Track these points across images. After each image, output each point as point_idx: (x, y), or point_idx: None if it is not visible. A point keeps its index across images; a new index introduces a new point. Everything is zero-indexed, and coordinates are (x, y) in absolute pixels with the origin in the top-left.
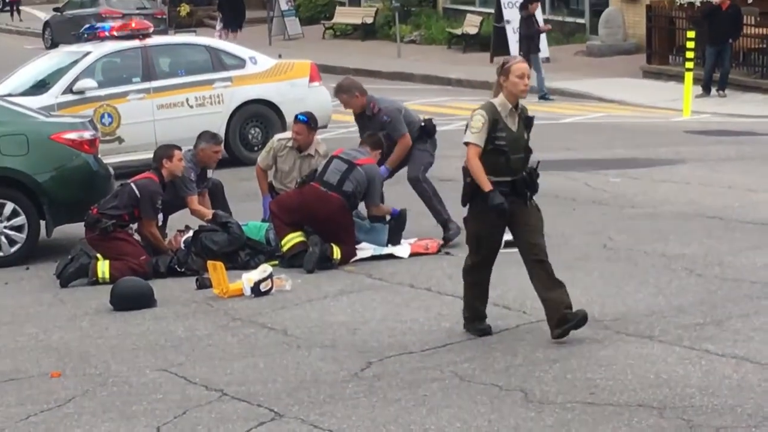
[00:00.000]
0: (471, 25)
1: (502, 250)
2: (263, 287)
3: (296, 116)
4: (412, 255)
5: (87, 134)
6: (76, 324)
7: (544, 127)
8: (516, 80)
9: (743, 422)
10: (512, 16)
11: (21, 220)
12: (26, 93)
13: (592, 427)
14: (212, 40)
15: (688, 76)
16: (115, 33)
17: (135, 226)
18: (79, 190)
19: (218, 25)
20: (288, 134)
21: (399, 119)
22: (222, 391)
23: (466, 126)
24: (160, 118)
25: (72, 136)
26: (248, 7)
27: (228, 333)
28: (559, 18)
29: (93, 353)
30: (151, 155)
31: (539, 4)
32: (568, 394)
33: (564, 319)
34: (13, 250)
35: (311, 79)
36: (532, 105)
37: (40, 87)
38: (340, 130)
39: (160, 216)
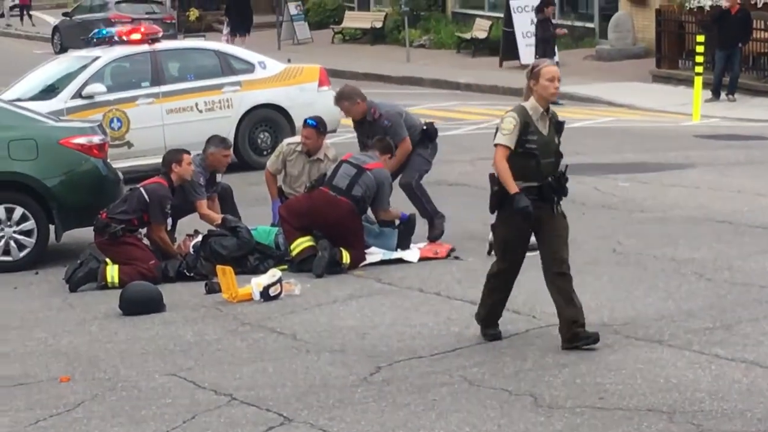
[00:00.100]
0: (480, 30)
1: None
2: (272, 292)
3: (305, 120)
4: (421, 259)
5: (96, 139)
6: (85, 328)
7: None
8: (546, 83)
9: (753, 426)
10: (521, 20)
11: (30, 224)
12: (35, 98)
13: (601, 431)
14: (221, 44)
15: (698, 81)
16: (124, 37)
17: (144, 230)
18: (89, 195)
19: (225, 30)
20: (297, 138)
21: (400, 123)
22: (231, 396)
23: (496, 129)
24: (170, 122)
25: (81, 140)
26: (257, 12)
27: (237, 337)
28: (569, 22)
29: (102, 358)
30: (160, 160)
31: (554, 8)
32: (577, 398)
33: (575, 337)
34: (22, 254)
35: (320, 84)
36: None
37: (49, 92)
38: (349, 135)
39: (170, 220)
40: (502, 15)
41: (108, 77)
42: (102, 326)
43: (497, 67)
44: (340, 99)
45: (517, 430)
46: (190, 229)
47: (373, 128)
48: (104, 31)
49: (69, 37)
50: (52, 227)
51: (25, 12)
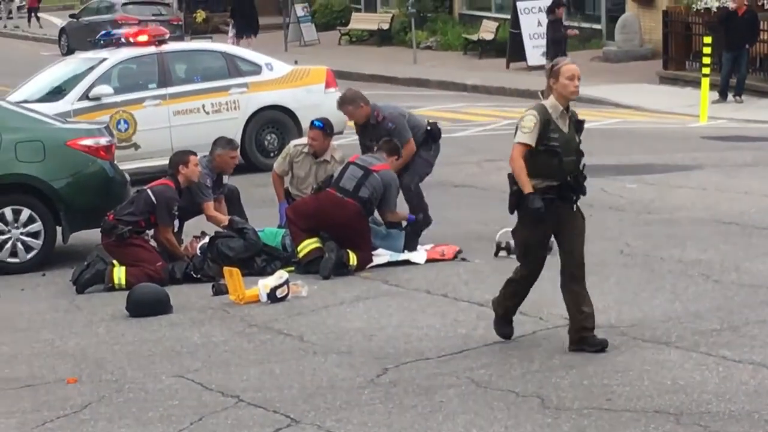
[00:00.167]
0: (487, 31)
1: None
2: (279, 293)
3: (312, 122)
4: (428, 261)
5: (103, 140)
6: (92, 330)
7: None
8: (566, 82)
9: (760, 428)
10: (528, 22)
11: (37, 226)
12: (42, 99)
13: None
14: (228, 46)
15: (705, 82)
16: (131, 39)
17: (151, 232)
18: (96, 197)
19: (231, 32)
20: (304, 140)
21: (403, 125)
22: (238, 398)
23: (516, 128)
24: (176, 124)
25: (88, 142)
26: (264, 14)
27: (244, 339)
28: (576, 24)
29: (109, 359)
30: (166, 161)
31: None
32: (584, 400)
33: (583, 341)
34: (29, 256)
35: (327, 85)
36: None
37: (56, 93)
38: (356, 137)
39: (176, 222)
40: (509, 16)
41: (115, 79)
42: (109, 328)
43: (504, 69)
44: (344, 103)
45: (524, 431)
46: (197, 231)
47: (376, 131)
48: (111, 33)
49: (76, 38)
50: (59, 229)
51: (32, 14)
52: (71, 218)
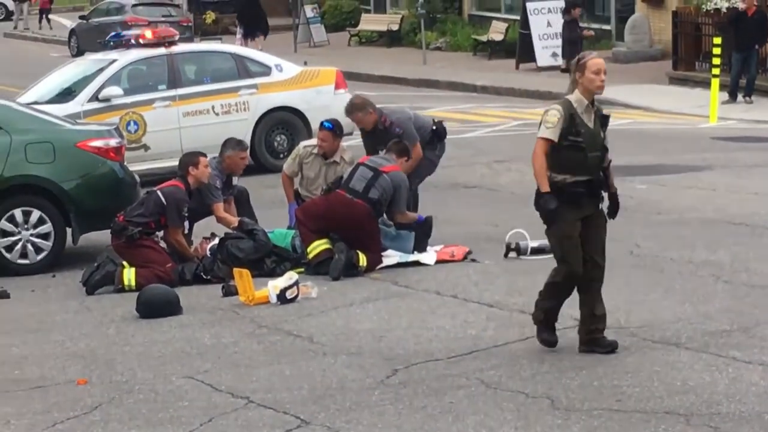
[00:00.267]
0: (496, 32)
1: (527, 257)
2: (289, 294)
3: (322, 123)
4: (437, 262)
5: (113, 142)
6: (102, 331)
7: None
8: (592, 76)
9: None
10: (538, 22)
11: (47, 227)
12: (52, 101)
13: None
14: (238, 47)
15: (715, 83)
16: (140, 40)
17: (161, 233)
18: (105, 198)
19: (238, 34)
20: (313, 141)
21: (411, 129)
22: (248, 399)
23: (540, 123)
24: (186, 125)
25: (98, 143)
26: (274, 15)
27: (254, 340)
28: (585, 24)
29: (119, 361)
30: (176, 163)
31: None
32: (594, 401)
33: (593, 342)
34: (39, 257)
35: (337, 87)
36: None
37: (66, 95)
38: None
39: (186, 223)
40: (518, 17)
41: (125, 80)
42: (119, 329)
43: (514, 70)
44: (353, 110)
45: None
46: (207, 232)
47: (384, 136)
48: (121, 34)
49: (86, 40)
50: (69, 230)
51: (44, 15)
52: (81, 219)
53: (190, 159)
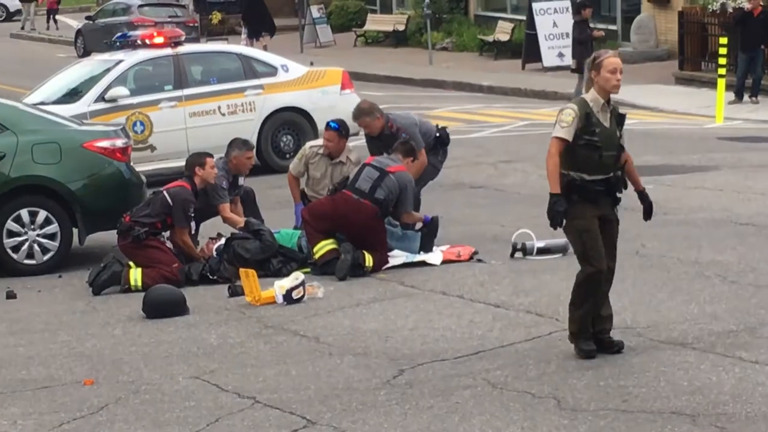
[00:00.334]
0: (502, 32)
1: (533, 257)
2: (295, 295)
3: (328, 123)
4: (444, 262)
5: (119, 142)
6: (108, 332)
7: None
8: (608, 75)
9: None
10: (544, 23)
11: (54, 228)
12: (59, 101)
13: None
14: (244, 47)
15: (721, 83)
16: (147, 41)
17: (167, 233)
18: (112, 198)
19: (243, 34)
20: (319, 141)
21: (417, 135)
22: (254, 399)
23: (555, 122)
24: (192, 126)
25: (104, 144)
26: (280, 15)
27: (260, 340)
28: (591, 25)
29: (126, 361)
30: (183, 163)
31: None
32: (601, 401)
33: (599, 343)
34: (45, 258)
35: (343, 87)
36: None
37: (72, 95)
38: None
39: (193, 224)
40: (524, 17)
41: (131, 80)
42: (125, 329)
43: (520, 70)
44: (361, 115)
45: None
46: (213, 233)
47: (391, 141)
48: (127, 35)
49: (92, 40)
50: (75, 230)
51: (51, 16)
52: (87, 220)
53: (197, 159)
